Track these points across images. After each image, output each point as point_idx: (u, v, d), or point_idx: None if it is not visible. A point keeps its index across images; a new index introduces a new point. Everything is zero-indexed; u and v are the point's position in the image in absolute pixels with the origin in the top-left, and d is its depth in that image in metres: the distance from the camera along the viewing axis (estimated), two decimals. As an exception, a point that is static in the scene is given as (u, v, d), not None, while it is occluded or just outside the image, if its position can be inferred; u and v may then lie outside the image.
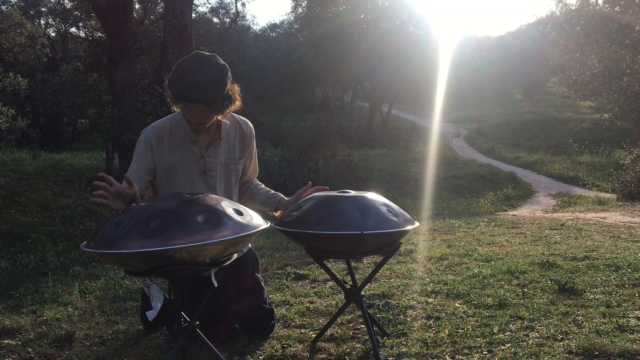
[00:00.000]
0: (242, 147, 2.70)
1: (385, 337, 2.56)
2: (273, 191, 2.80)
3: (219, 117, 2.50)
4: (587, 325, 2.59)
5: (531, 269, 3.78)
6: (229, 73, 2.40)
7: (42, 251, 7.07)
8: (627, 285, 3.27)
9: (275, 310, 3.06)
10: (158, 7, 20.48)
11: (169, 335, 2.69)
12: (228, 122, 2.63)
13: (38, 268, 5.49)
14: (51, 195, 10.30)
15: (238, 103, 2.46)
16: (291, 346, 2.53)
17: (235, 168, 2.68)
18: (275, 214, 2.73)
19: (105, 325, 2.99)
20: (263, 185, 2.87)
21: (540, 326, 2.60)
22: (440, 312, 2.90)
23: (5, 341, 2.76)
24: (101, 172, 2.20)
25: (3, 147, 16.62)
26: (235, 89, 2.43)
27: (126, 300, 3.50)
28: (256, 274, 2.75)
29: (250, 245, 2.75)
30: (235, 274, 2.55)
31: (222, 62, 2.40)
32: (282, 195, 2.75)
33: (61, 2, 20.56)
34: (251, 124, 2.77)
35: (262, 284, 2.78)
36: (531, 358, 2.22)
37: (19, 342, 2.72)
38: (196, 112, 2.40)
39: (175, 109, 2.54)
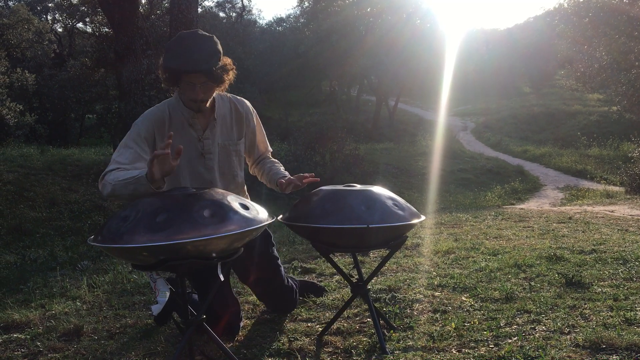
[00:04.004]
0: (239, 127, 2.71)
1: (392, 331, 2.56)
2: (274, 169, 2.79)
3: (218, 90, 2.53)
4: (594, 318, 2.59)
5: (538, 262, 3.77)
6: (219, 44, 2.46)
7: (50, 246, 7.11)
8: (634, 279, 3.25)
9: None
10: (164, 2, 20.49)
11: (177, 328, 2.70)
12: (223, 100, 2.66)
13: (47, 263, 5.53)
14: (59, 190, 10.34)
15: (232, 73, 2.50)
16: (298, 340, 2.54)
17: (236, 149, 2.68)
18: (278, 188, 2.73)
19: (113, 319, 3.01)
20: (272, 163, 2.85)
21: (547, 320, 2.60)
22: (446, 306, 2.90)
23: (15, 335, 2.78)
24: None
25: (11, 143, 16.72)
26: (228, 60, 2.48)
27: (134, 294, 3.52)
28: (269, 251, 2.78)
29: None
30: (245, 254, 2.51)
31: (208, 34, 2.45)
32: (281, 175, 2.72)
33: (68, -3, 20.64)
34: (248, 103, 2.77)
35: (278, 261, 2.81)
36: (538, 351, 2.22)
37: (28, 336, 2.75)
38: (199, 87, 2.41)
39: (172, 95, 2.55)
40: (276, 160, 2.89)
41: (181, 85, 2.44)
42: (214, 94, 2.59)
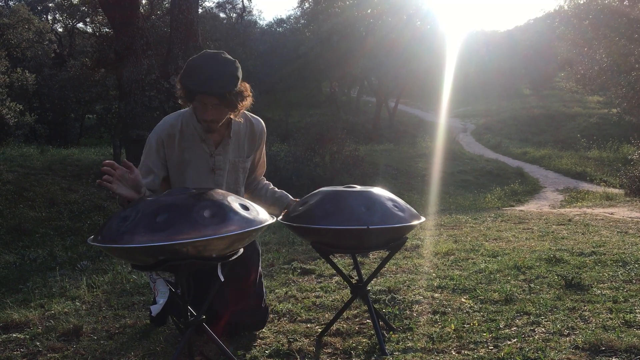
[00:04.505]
0: (251, 145, 2.70)
1: (391, 332, 2.56)
2: (279, 192, 2.78)
3: (231, 115, 2.49)
4: (593, 320, 2.59)
5: (538, 264, 3.77)
6: (240, 69, 2.41)
7: (50, 246, 7.11)
8: (634, 281, 3.26)
9: (281, 304, 3.08)
10: (165, 2, 20.50)
11: (176, 329, 2.70)
12: (241, 121, 2.62)
13: (46, 262, 5.52)
14: (59, 190, 10.34)
15: (249, 100, 2.47)
16: (297, 340, 2.54)
17: (244, 166, 2.69)
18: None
19: (113, 319, 3.01)
20: (268, 185, 2.85)
21: (546, 321, 2.60)
22: (446, 307, 2.90)
23: (14, 335, 2.78)
24: (108, 160, 2.20)
25: (11, 143, 16.71)
26: (246, 87, 2.45)
27: (133, 294, 3.52)
28: (257, 272, 2.73)
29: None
30: (234, 271, 2.47)
31: (231, 58, 2.43)
32: (290, 198, 2.72)
33: (68, -3, 20.64)
34: (263, 123, 2.75)
35: (263, 285, 2.78)
36: (537, 353, 2.22)
37: (27, 336, 2.74)
38: (210, 108, 2.39)
39: (186, 107, 2.55)
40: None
41: (194, 104, 2.43)
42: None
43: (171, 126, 2.54)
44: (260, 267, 2.79)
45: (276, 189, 2.83)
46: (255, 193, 2.83)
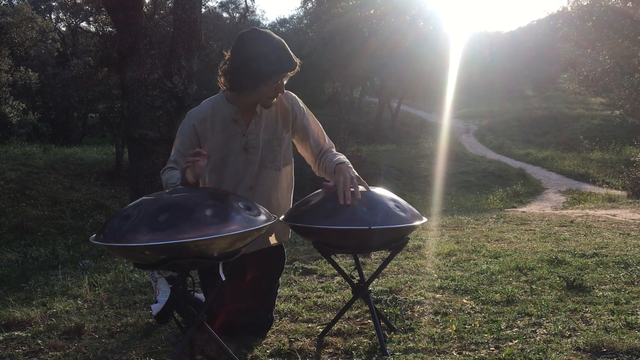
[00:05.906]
0: (285, 121, 2.68)
1: (392, 332, 2.56)
2: (330, 163, 2.61)
3: None
4: (595, 322, 2.58)
5: (540, 265, 3.76)
6: None
7: (52, 244, 7.12)
8: (636, 283, 3.25)
9: (282, 304, 3.08)
10: (168, 2, 20.53)
11: (178, 328, 2.70)
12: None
13: (48, 261, 5.54)
14: (61, 189, 10.36)
15: None
16: (298, 340, 2.54)
17: (280, 143, 2.66)
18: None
19: (114, 318, 3.01)
20: (327, 157, 2.69)
21: (548, 323, 2.60)
22: (447, 308, 2.89)
23: (16, 333, 2.79)
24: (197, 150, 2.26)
25: (14, 141, 16.76)
26: None
27: (135, 293, 3.52)
28: (256, 273, 2.73)
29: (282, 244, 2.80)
30: (232, 270, 2.43)
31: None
32: (337, 163, 2.54)
33: (72, -4, 20.67)
34: (293, 95, 2.72)
35: (276, 294, 2.79)
36: (538, 354, 2.22)
37: (29, 334, 2.75)
38: (283, 81, 2.46)
39: (222, 96, 2.57)
40: (340, 153, 2.71)
41: (267, 85, 2.42)
42: None
43: (203, 111, 2.59)
44: (279, 279, 2.80)
45: (332, 159, 2.61)
46: (320, 166, 2.74)
